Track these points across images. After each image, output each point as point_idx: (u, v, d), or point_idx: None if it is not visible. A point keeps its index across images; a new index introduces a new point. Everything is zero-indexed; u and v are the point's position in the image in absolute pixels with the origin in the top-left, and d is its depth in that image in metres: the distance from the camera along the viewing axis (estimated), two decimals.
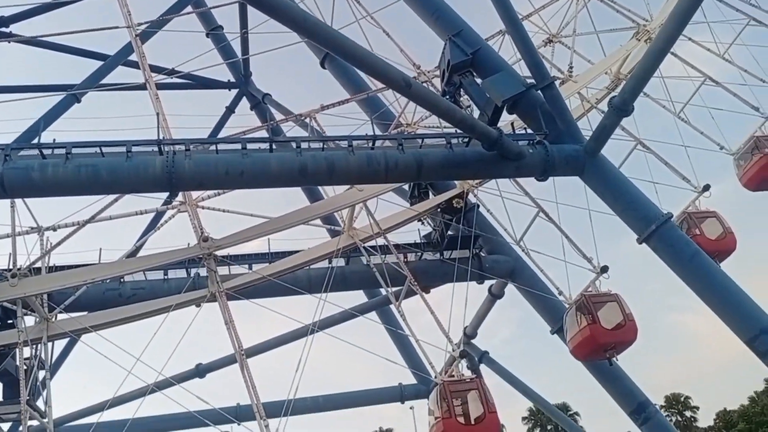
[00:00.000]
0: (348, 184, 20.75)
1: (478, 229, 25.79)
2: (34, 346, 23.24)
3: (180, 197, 22.07)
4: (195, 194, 22.15)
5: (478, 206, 25.65)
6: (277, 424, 18.41)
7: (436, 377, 20.67)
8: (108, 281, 23.12)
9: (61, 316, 22.85)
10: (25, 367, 23.11)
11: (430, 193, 26.30)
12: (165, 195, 23.73)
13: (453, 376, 20.31)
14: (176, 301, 20.72)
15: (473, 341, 30.73)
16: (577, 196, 23.48)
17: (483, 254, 26.37)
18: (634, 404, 22.79)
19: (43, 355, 21.43)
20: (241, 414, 21.51)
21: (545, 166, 18.12)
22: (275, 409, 21.13)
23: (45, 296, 20.84)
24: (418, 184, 26.08)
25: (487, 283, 27.71)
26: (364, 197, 21.68)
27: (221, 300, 20.37)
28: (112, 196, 19.97)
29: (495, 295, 28.30)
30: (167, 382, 27.07)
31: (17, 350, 20.26)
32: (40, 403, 23.12)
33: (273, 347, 27.89)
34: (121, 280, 23.48)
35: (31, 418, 24.97)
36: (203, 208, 22.52)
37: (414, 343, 22.62)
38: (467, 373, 23.20)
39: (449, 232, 24.79)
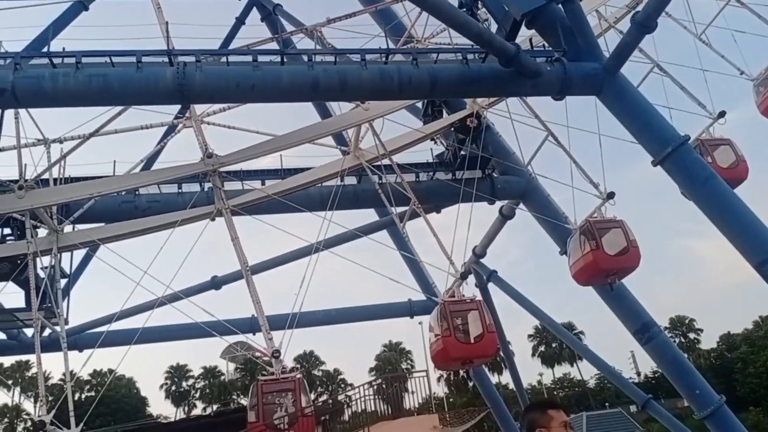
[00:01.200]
0: (360, 100, 20.47)
1: (491, 149, 25.65)
2: (52, 257, 24.04)
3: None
4: (200, 110, 22.13)
5: (492, 126, 25.40)
6: (290, 335, 19.11)
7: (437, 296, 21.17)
8: (123, 193, 23.48)
9: (79, 227, 23.45)
10: (43, 276, 24.07)
11: (444, 112, 26.02)
12: (169, 112, 23.50)
13: (454, 296, 20.81)
14: (182, 216, 21.02)
15: (482, 260, 31.26)
16: (585, 120, 23.22)
17: (495, 175, 26.37)
18: (639, 324, 23.22)
19: (54, 266, 22.15)
20: (255, 325, 22.18)
21: (563, 84, 17.68)
22: (297, 320, 21.96)
23: (54, 208, 21.18)
24: (431, 102, 25.73)
25: (498, 204, 27.85)
26: (370, 117, 21.48)
27: (227, 217, 20.72)
28: (116, 110, 20.05)
29: (505, 216, 28.44)
30: (185, 292, 28.13)
31: (34, 260, 20.78)
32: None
33: (281, 264, 28.52)
34: (137, 192, 23.82)
35: (52, 324, 26.16)
36: (208, 123, 22.53)
37: (420, 262, 23.14)
38: (476, 293, 23.68)
39: (462, 152, 24.68)
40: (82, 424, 18.88)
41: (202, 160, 20.96)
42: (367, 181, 24.29)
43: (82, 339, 25.53)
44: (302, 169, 23.86)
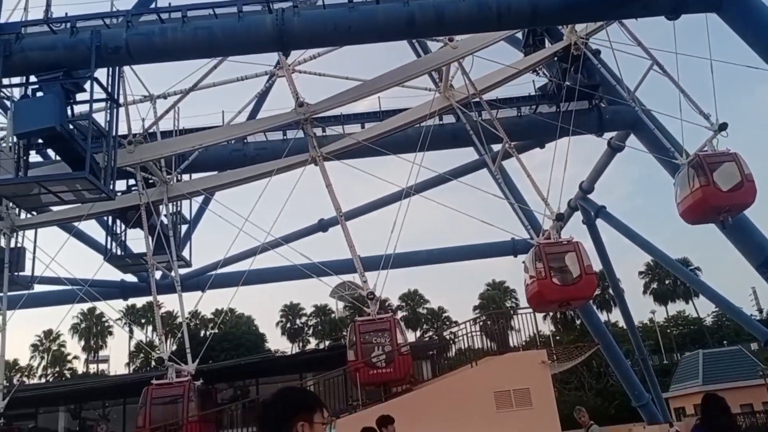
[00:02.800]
0: (457, 34, 19.87)
1: (597, 78, 24.29)
2: (172, 204, 25.83)
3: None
4: (290, 59, 22.50)
5: (596, 55, 23.92)
6: (385, 275, 19.65)
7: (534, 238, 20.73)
8: (233, 142, 24.59)
9: (196, 175, 24.98)
10: (166, 222, 25.95)
11: (546, 42, 24.81)
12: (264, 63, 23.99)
13: (550, 238, 20.30)
14: (277, 166, 21.85)
15: (590, 196, 30.19)
16: (691, 46, 21.21)
17: (603, 105, 25.06)
18: (762, 257, 21.74)
19: (171, 214, 23.93)
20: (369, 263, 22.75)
21: (676, 2, 16.26)
22: (400, 260, 22.44)
23: (162, 161, 22.60)
24: (532, 32, 24.56)
25: (606, 136, 26.56)
26: (459, 55, 20.77)
27: (320, 164, 21.23)
28: (212, 65, 20.82)
29: (614, 149, 27.10)
30: (294, 235, 29.38)
31: (146, 210, 22.39)
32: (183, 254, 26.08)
33: (376, 208, 29.13)
34: (245, 141, 24.87)
35: (179, 267, 28.15)
36: (300, 72, 22.87)
37: (513, 204, 22.65)
38: (575, 234, 22.88)
39: (567, 83, 23.54)
40: (198, 360, 20.74)
41: (294, 109, 21.50)
42: (462, 121, 23.87)
43: (203, 280, 27.40)
44: (393, 112, 23.83)
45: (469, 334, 20.29)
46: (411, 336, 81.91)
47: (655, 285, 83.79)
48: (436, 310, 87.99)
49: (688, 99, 20.90)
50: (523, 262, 21.56)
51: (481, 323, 22.68)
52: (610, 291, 55.24)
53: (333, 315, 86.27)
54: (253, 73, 24.07)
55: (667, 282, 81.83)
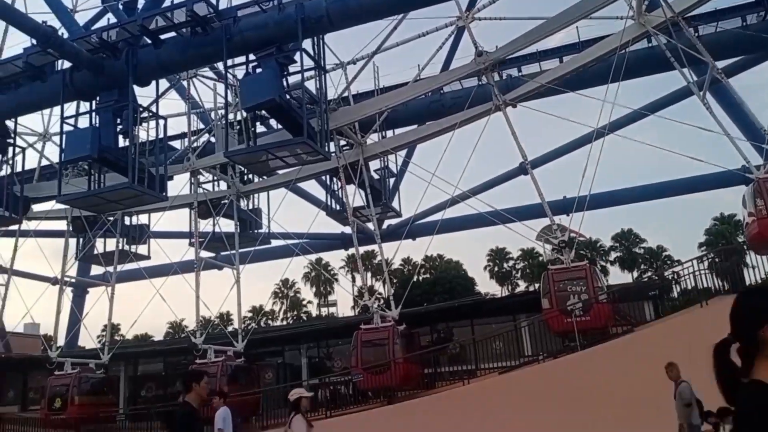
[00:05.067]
0: None
1: None
2: (380, 160, 27.38)
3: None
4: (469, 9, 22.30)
5: None
6: (604, 214, 18.81)
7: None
8: (430, 94, 25.11)
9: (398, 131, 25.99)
10: (377, 177, 27.56)
11: None
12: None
13: None
14: (460, 118, 21.84)
15: None
16: None
17: None
18: None
19: (373, 171, 25.26)
20: (568, 206, 22.09)
21: None
22: (602, 200, 21.24)
23: (356, 124, 23.78)
24: None
25: None
26: None
27: (503, 112, 20.72)
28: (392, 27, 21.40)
29: None
30: (497, 180, 29.43)
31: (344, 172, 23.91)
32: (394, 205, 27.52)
33: (567, 152, 27.78)
34: (441, 91, 25.25)
35: (389, 218, 29.93)
36: (479, 19, 22.28)
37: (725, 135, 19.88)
38: None
39: None
40: (401, 305, 22.06)
41: (473, 59, 21.16)
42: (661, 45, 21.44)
43: (414, 228, 28.74)
44: (579, 46, 22.24)
45: (697, 272, 18.69)
46: (627, 277, 77.67)
47: None
48: (654, 249, 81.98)
49: None
50: (741, 199, 19.11)
51: (708, 260, 20.79)
52: None
53: (540, 258, 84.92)
54: (434, 27, 24.26)
55: None
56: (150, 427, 22.79)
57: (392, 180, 28.69)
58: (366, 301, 23.42)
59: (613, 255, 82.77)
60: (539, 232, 21.46)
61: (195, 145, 27.44)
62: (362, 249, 25.62)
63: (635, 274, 79.07)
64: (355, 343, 21.32)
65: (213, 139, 27.33)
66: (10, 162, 23.28)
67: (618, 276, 78.92)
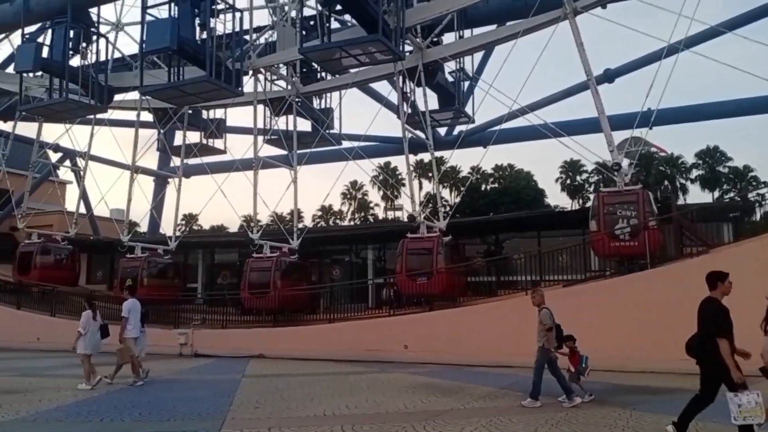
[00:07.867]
0: None
1: None
2: (455, 62, 26.57)
3: None
4: None
5: None
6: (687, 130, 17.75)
7: None
8: None
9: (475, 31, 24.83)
10: (452, 80, 26.85)
11: None
12: None
13: None
14: (524, 27, 20.67)
15: None
16: None
17: None
18: None
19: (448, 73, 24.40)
20: (647, 119, 20.95)
21: None
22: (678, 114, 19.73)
23: (418, 27, 22.80)
24: None
25: None
26: None
27: (571, 21, 19.37)
28: None
29: None
30: (574, 89, 28.18)
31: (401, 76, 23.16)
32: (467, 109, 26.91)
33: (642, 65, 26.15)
34: None
35: (460, 123, 29.41)
36: None
37: None
38: None
39: None
40: (448, 219, 21.92)
41: None
42: None
43: (485, 136, 28.16)
44: None
45: None
46: (707, 197, 74.24)
47: None
48: (740, 169, 77.50)
49: None
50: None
51: None
52: None
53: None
54: None
55: None
56: (225, 312, 24.37)
57: (466, 84, 27.86)
58: (413, 212, 23.56)
59: (694, 173, 79.04)
60: (618, 144, 20.55)
61: (259, 42, 27.38)
62: (429, 155, 25.36)
63: (716, 194, 75.57)
64: (401, 250, 21.74)
65: (275, 37, 26.97)
66: (94, 51, 23.96)
67: (698, 195, 75.73)
